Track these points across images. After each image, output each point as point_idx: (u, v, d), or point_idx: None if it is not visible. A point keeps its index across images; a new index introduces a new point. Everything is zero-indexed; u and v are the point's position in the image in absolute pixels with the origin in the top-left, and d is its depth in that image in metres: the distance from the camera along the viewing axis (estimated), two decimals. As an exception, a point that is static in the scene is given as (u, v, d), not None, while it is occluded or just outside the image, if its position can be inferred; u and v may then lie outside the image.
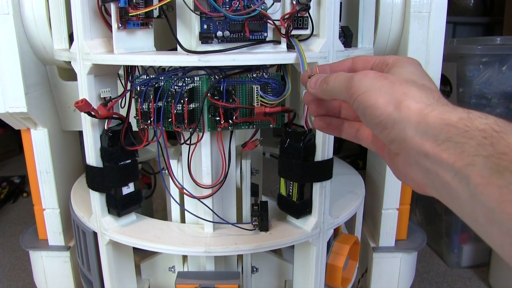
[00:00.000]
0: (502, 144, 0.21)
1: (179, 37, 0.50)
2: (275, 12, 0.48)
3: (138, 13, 0.48)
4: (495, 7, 1.78)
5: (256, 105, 0.50)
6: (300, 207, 0.55)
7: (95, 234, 0.59)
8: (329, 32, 0.49)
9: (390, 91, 0.27)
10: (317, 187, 0.54)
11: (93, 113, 0.50)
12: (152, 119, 0.50)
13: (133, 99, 0.53)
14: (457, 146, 0.23)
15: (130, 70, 0.53)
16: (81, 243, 0.63)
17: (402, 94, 0.27)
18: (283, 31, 0.49)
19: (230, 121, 0.50)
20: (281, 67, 0.52)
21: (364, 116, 0.29)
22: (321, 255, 0.58)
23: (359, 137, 0.36)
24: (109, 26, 0.50)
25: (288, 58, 0.48)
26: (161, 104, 0.50)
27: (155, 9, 0.49)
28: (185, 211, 0.59)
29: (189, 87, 0.49)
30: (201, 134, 0.52)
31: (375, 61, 0.33)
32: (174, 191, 0.58)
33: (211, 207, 0.55)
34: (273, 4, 0.47)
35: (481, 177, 0.21)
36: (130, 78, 0.53)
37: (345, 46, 0.53)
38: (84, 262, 0.63)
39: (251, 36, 0.49)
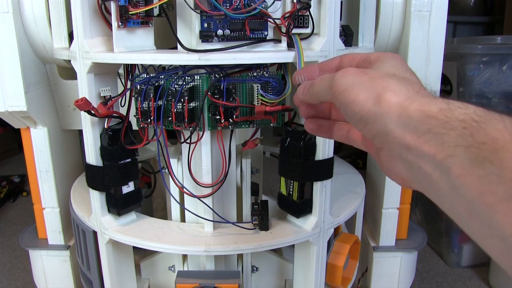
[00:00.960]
0: (482, 134, 0.21)
1: (179, 35, 0.50)
2: (276, 11, 0.48)
3: (138, 11, 0.48)
4: (496, 6, 1.78)
5: (256, 104, 0.50)
6: (301, 206, 0.55)
7: (95, 233, 0.58)
8: (329, 31, 0.49)
9: (370, 86, 0.27)
10: (317, 186, 0.54)
11: (93, 111, 0.50)
12: (152, 118, 0.50)
13: (133, 98, 0.53)
14: (438, 137, 0.22)
15: (130, 68, 0.53)
16: (81, 242, 0.63)
17: (382, 88, 0.26)
18: (283, 29, 0.49)
19: (230, 120, 0.50)
20: (281, 66, 0.52)
21: (346, 113, 0.29)
22: (322, 255, 0.58)
23: (350, 138, 0.36)
24: (109, 24, 0.50)
25: (289, 56, 0.48)
26: (161, 103, 0.50)
27: (155, 7, 0.49)
28: (185, 210, 0.59)
29: (189, 86, 0.49)
30: (201, 133, 0.52)
31: (360, 59, 0.33)
32: (174, 190, 0.58)
33: (211, 206, 0.55)
34: (273, 2, 0.47)
35: (462, 168, 0.21)
36: (130, 77, 0.53)
37: (345, 45, 0.53)
38: (84, 261, 0.63)
39: (251, 35, 0.49)
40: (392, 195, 0.72)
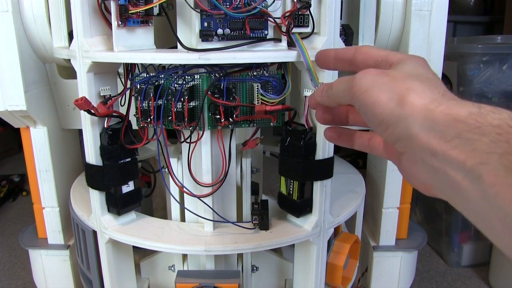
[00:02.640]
0: None
1: (179, 35, 0.50)
2: (276, 10, 0.48)
3: (138, 10, 0.48)
4: (496, 6, 1.78)
5: (256, 103, 0.50)
6: (301, 206, 0.55)
7: (94, 232, 0.58)
8: (330, 30, 0.49)
9: (392, 86, 0.26)
10: (317, 185, 0.54)
11: (92, 111, 0.50)
12: (152, 117, 0.50)
13: (133, 97, 0.53)
14: (468, 143, 0.21)
15: (130, 68, 0.53)
16: (81, 241, 0.63)
17: (405, 89, 0.25)
18: (283, 29, 0.49)
19: (230, 119, 0.50)
20: (281, 65, 0.52)
21: (366, 115, 0.27)
22: (322, 254, 0.57)
23: (371, 146, 0.35)
24: (109, 23, 0.50)
25: (289, 56, 0.48)
26: (161, 102, 0.49)
27: (155, 6, 0.49)
28: (185, 210, 0.59)
29: (189, 85, 0.49)
30: (201, 132, 0.52)
31: (377, 59, 0.32)
32: (174, 189, 0.58)
33: (211, 206, 0.55)
34: (273, 2, 0.47)
35: (496, 176, 0.20)
36: (130, 76, 0.53)
37: (345, 44, 0.53)
38: (83, 261, 0.63)
39: (251, 34, 0.48)
40: (392, 195, 0.72)
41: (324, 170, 0.53)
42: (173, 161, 0.58)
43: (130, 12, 0.47)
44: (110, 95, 0.53)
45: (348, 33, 0.57)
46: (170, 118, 0.50)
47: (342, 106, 0.35)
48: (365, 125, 0.34)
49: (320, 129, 0.52)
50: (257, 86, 0.50)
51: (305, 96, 0.52)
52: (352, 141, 0.36)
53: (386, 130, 0.26)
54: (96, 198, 0.55)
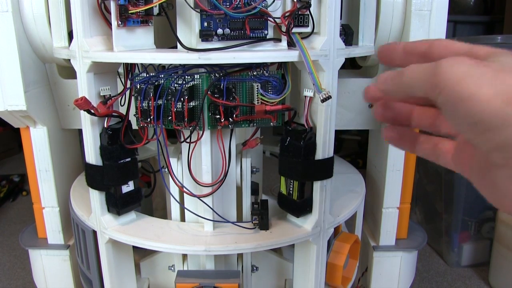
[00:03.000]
0: None
1: (179, 34, 0.50)
2: (276, 10, 0.48)
3: (138, 10, 0.48)
4: (496, 5, 1.78)
5: (256, 103, 0.50)
6: (301, 206, 0.55)
7: (94, 232, 0.58)
8: (330, 30, 0.49)
9: (496, 81, 0.20)
10: (317, 185, 0.54)
11: (92, 111, 0.50)
12: (152, 117, 0.50)
13: (132, 97, 0.53)
14: None
15: (130, 68, 0.53)
16: (81, 241, 0.63)
17: None
18: (283, 28, 0.49)
19: (230, 119, 0.50)
20: (281, 65, 0.52)
21: (455, 112, 0.22)
22: (322, 254, 0.57)
23: (438, 152, 0.29)
24: (109, 23, 0.50)
25: (289, 56, 0.48)
26: (161, 102, 0.49)
27: (155, 6, 0.49)
28: (185, 210, 0.59)
29: (189, 85, 0.49)
30: (201, 132, 0.52)
31: (459, 53, 0.26)
32: (174, 189, 0.58)
33: (211, 206, 0.55)
34: (273, 1, 0.47)
35: None
36: (130, 76, 0.53)
37: (346, 44, 0.53)
38: (83, 260, 0.63)
39: (251, 34, 0.48)
40: (392, 195, 0.72)
41: (324, 170, 0.53)
42: (173, 161, 0.58)
43: (130, 12, 0.47)
44: (110, 95, 0.53)
45: (348, 33, 0.57)
46: (170, 118, 0.50)
47: (405, 104, 0.30)
48: (432, 127, 0.30)
49: (320, 129, 0.52)
50: (257, 86, 0.50)
51: (305, 96, 0.52)
52: (414, 145, 0.31)
53: (483, 133, 0.21)
54: (96, 198, 0.55)
